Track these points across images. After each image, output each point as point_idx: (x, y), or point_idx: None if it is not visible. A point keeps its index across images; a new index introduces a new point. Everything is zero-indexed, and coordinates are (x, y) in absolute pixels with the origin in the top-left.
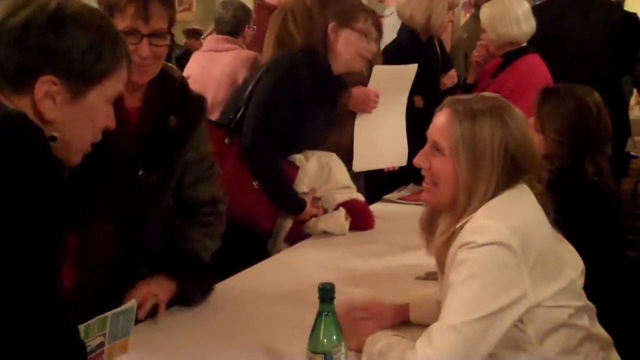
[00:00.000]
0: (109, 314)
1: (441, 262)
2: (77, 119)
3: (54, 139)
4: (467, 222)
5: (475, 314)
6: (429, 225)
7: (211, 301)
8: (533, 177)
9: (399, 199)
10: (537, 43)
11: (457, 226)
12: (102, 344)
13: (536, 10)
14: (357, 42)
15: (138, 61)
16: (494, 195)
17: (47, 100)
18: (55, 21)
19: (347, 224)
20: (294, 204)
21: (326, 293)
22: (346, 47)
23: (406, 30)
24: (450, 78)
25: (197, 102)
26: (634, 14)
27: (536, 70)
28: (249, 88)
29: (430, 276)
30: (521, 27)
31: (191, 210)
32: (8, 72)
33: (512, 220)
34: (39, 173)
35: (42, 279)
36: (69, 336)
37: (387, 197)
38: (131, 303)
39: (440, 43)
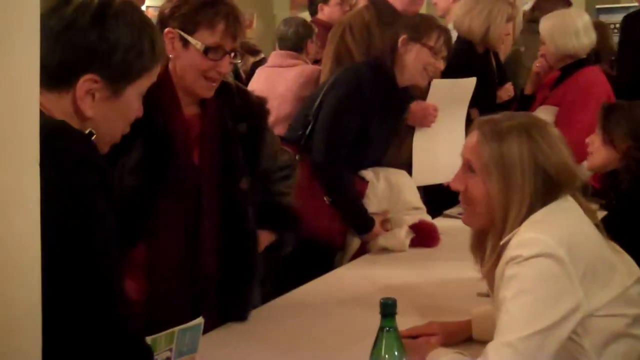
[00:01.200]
0: (176, 329)
1: (491, 282)
2: (113, 114)
3: (91, 134)
4: (511, 237)
5: (530, 329)
6: (478, 248)
7: (272, 314)
8: (575, 191)
9: (459, 214)
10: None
11: (502, 243)
12: (168, 359)
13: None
14: (426, 57)
15: (215, 77)
16: (531, 210)
17: (88, 97)
18: (99, 19)
19: (407, 241)
20: (363, 222)
21: (388, 308)
22: (414, 62)
23: (463, 42)
24: (506, 91)
25: (260, 105)
26: None
27: (596, 82)
28: (316, 103)
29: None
30: (580, 40)
31: (273, 171)
32: (49, 68)
33: (557, 231)
34: (90, 183)
35: (102, 282)
36: (133, 338)
37: (447, 212)
38: (198, 320)
39: (496, 55)
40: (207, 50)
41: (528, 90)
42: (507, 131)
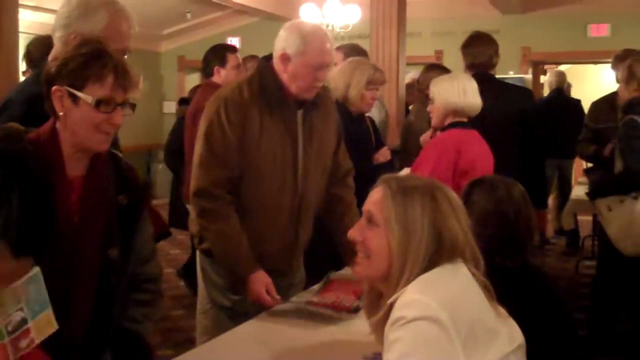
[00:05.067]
0: (14, 284)
1: (381, 341)
2: None
3: None
4: (398, 297)
5: None
6: (370, 304)
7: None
8: (469, 260)
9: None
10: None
11: (389, 302)
12: (24, 320)
13: None
14: None
15: (108, 130)
16: (423, 270)
17: None
18: None
19: None
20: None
21: None
22: None
23: (338, 104)
24: (382, 154)
25: (145, 185)
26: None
27: (448, 139)
28: None
29: (379, 356)
30: (467, 99)
31: (135, 287)
32: None
33: (440, 294)
34: None
35: None
36: None
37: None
38: (35, 269)
39: (372, 121)
40: (98, 103)
41: None
42: (413, 190)
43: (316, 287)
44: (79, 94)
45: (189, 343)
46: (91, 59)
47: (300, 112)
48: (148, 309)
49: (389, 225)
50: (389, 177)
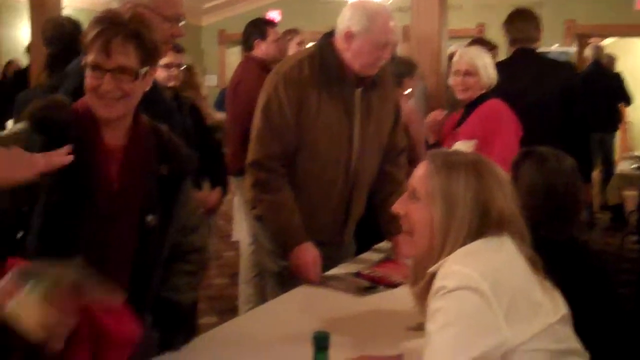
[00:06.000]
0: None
1: (424, 312)
2: None
3: None
4: (439, 267)
5: None
6: (414, 275)
7: (204, 346)
8: (515, 234)
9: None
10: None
11: (430, 271)
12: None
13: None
14: None
15: (103, 94)
16: (465, 243)
17: None
18: None
19: None
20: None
21: (320, 342)
22: None
23: None
24: None
25: (189, 158)
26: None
27: (503, 109)
28: None
29: (422, 326)
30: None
31: (179, 257)
32: None
33: (482, 265)
34: None
35: None
36: None
37: (377, 246)
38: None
39: None
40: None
41: (431, 139)
42: (457, 165)
43: (366, 255)
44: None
45: (233, 311)
46: (88, 29)
47: (358, 91)
48: (191, 278)
49: (431, 199)
50: (435, 152)
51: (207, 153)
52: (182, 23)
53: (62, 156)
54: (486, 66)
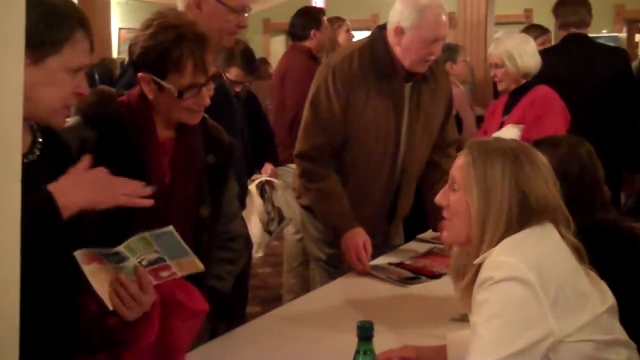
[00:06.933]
0: (145, 234)
1: (468, 303)
2: (35, 81)
3: None
4: (485, 258)
5: (500, 353)
6: (457, 268)
7: (246, 335)
8: (560, 222)
9: (432, 238)
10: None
11: (475, 262)
12: (162, 259)
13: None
14: None
15: (197, 108)
16: (507, 232)
17: None
18: None
19: None
20: None
21: (365, 331)
22: None
23: None
24: None
25: (231, 145)
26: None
27: (552, 96)
28: None
29: (466, 317)
30: (535, 61)
31: (220, 245)
32: None
33: (529, 255)
34: None
35: None
36: None
37: (420, 236)
38: (168, 228)
39: None
40: (181, 93)
41: None
42: (494, 152)
43: (409, 245)
44: (162, 82)
45: (277, 300)
46: (169, 49)
47: (408, 85)
48: (232, 266)
49: (468, 188)
50: (473, 141)
51: (263, 140)
52: (247, 14)
53: (143, 201)
54: (513, 56)
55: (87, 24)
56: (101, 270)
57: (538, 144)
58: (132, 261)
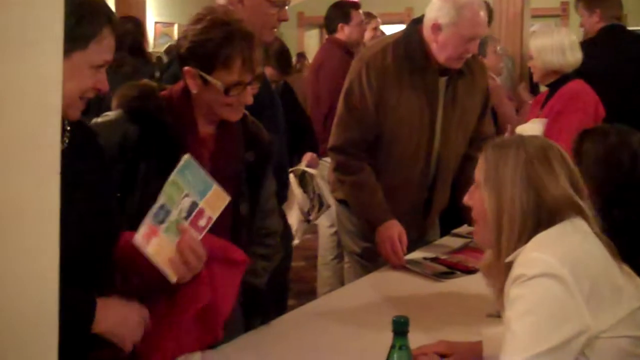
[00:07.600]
0: (172, 176)
1: (502, 301)
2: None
3: None
4: (517, 255)
5: (535, 349)
6: (488, 265)
7: (280, 329)
8: (587, 217)
9: (467, 233)
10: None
11: (507, 261)
12: (194, 204)
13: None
14: None
15: (239, 106)
16: (525, 228)
17: None
18: None
19: None
20: None
21: (400, 326)
22: None
23: None
24: None
25: (270, 142)
26: None
27: (581, 91)
28: None
29: (501, 313)
30: (566, 57)
31: (256, 240)
32: None
33: (561, 251)
34: None
35: None
36: None
37: (455, 231)
38: (184, 157)
39: None
40: (227, 90)
41: None
42: (507, 146)
43: (444, 240)
44: (208, 78)
45: (311, 294)
46: (219, 46)
47: (443, 80)
48: (267, 262)
49: (484, 185)
50: (489, 141)
51: (301, 131)
52: (287, 7)
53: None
54: (544, 49)
55: (114, 21)
56: (160, 245)
57: (586, 134)
58: (174, 215)
